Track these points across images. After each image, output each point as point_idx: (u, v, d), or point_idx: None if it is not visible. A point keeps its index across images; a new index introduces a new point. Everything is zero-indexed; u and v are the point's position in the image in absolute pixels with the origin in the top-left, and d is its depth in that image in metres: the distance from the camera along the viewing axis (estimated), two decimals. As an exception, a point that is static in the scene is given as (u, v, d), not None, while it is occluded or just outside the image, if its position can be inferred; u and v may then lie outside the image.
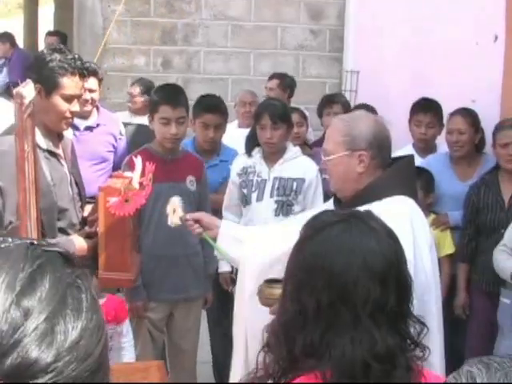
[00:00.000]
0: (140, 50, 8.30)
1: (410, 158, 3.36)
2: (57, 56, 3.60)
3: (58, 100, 3.60)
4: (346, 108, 6.32)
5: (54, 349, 0.94)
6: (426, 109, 5.47)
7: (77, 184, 3.86)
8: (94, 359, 0.98)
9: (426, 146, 5.53)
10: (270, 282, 3.00)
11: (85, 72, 3.67)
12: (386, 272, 1.77)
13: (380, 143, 3.10)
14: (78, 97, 3.69)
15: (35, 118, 3.56)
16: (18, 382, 0.91)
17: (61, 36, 10.01)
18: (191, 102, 7.26)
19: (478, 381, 1.21)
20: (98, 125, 5.74)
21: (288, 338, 1.77)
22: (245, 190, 4.88)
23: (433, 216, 5.12)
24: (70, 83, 3.60)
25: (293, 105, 7.38)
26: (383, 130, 3.21)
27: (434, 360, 2.64)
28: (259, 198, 4.82)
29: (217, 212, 5.10)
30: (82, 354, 0.96)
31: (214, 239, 3.49)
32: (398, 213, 2.93)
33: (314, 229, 1.87)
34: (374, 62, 7.63)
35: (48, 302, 0.96)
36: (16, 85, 8.86)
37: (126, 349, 4.61)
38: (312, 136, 7.09)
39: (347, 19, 8.31)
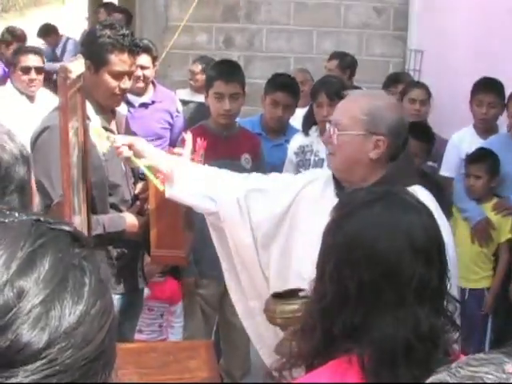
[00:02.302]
0: (202, 27, 8.28)
1: (407, 141, 3.01)
2: (107, 32, 3.58)
3: (106, 76, 3.59)
4: (412, 88, 6.20)
5: (48, 334, 0.89)
6: (487, 88, 5.30)
7: (131, 160, 3.85)
8: (94, 347, 0.93)
9: (487, 127, 5.38)
10: (279, 295, 2.67)
11: (135, 49, 3.63)
12: (429, 248, 1.72)
13: (399, 131, 2.88)
14: (128, 74, 3.65)
15: (87, 93, 3.60)
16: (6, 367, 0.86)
17: (126, 13, 9.87)
18: (253, 81, 7.29)
19: None
20: (153, 102, 5.73)
21: (326, 321, 1.72)
22: (302, 169, 4.81)
23: (495, 200, 4.99)
24: (117, 60, 3.57)
25: (355, 84, 7.29)
26: (404, 117, 2.99)
27: None
28: (316, 177, 4.75)
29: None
30: (79, 341, 0.91)
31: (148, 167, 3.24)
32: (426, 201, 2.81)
33: (351, 207, 1.81)
34: (438, 41, 7.49)
35: (45, 285, 0.91)
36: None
37: (175, 328, 4.65)
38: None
39: (412, -3, 8.17)
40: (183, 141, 3.71)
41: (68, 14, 22.92)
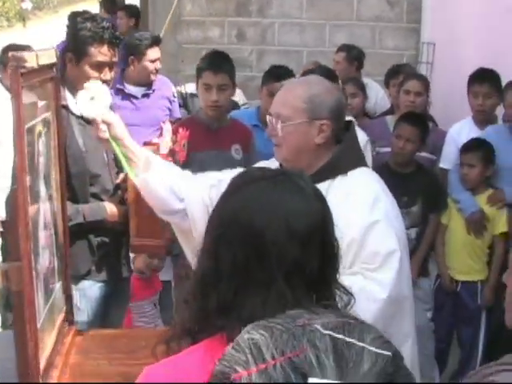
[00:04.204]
0: (214, 22, 8.31)
1: (351, 125, 3.09)
2: (87, 25, 3.66)
3: (86, 68, 3.67)
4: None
5: None
6: (481, 79, 5.24)
7: (113, 151, 3.90)
8: None
9: (485, 118, 5.31)
10: None
11: (115, 41, 3.70)
12: (308, 233, 1.67)
13: (340, 113, 2.92)
14: (109, 65, 3.72)
15: (71, 85, 3.67)
16: None
17: (129, 10, 9.65)
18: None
19: (264, 348, 1.10)
20: (153, 90, 5.84)
21: (203, 294, 1.72)
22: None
23: (490, 191, 4.95)
24: (97, 52, 3.66)
25: (368, 77, 7.30)
26: (343, 99, 3.05)
27: None
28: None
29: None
30: None
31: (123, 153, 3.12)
32: (372, 182, 2.89)
33: (237, 184, 1.80)
34: (450, 34, 7.44)
35: None
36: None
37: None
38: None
39: (425, -11, 8.13)
40: (176, 131, 3.76)
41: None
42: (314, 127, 2.85)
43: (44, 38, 12.57)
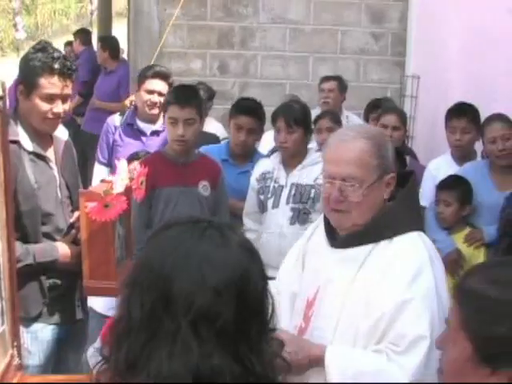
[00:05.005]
0: (196, 53, 8.22)
1: (412, 176, 2.78)
2: (38, 55, 3.52)
3: (37, 100, 3.52)
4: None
5: None
6: (459, 114, 5.13)
7: (68, 188, 3.74)
8: None
9: (462, 154, 5.19)
10: None
11: (66, 71, 3.54)
12: (222, 284, 1.54)
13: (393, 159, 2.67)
14: (62, 97, 3.56)
15: (23, 119, 3.54)
16: None
17: (103, 41, 9.61)
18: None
19: None
20: (164, 129, 5.61)
21: (117, 346, 1.57)
22: (262, 197, 4.71)
23: (468, 229, 4.79)
24: (47, 83, 3.50)
25: (352, 110, 7.21)
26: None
27: None
28: (275, 205, 4.63)
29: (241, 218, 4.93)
30: None
31: None
32: (418, 253, 2.59)
33: (157, 229, 1.68)
34: (434, 67, 7.34)
35: None
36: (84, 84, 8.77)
37: None
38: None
39: (410, 22, 8.03)
40: (116, 167, 3.60)
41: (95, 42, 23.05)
42: (383, 183, 2.61)
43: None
